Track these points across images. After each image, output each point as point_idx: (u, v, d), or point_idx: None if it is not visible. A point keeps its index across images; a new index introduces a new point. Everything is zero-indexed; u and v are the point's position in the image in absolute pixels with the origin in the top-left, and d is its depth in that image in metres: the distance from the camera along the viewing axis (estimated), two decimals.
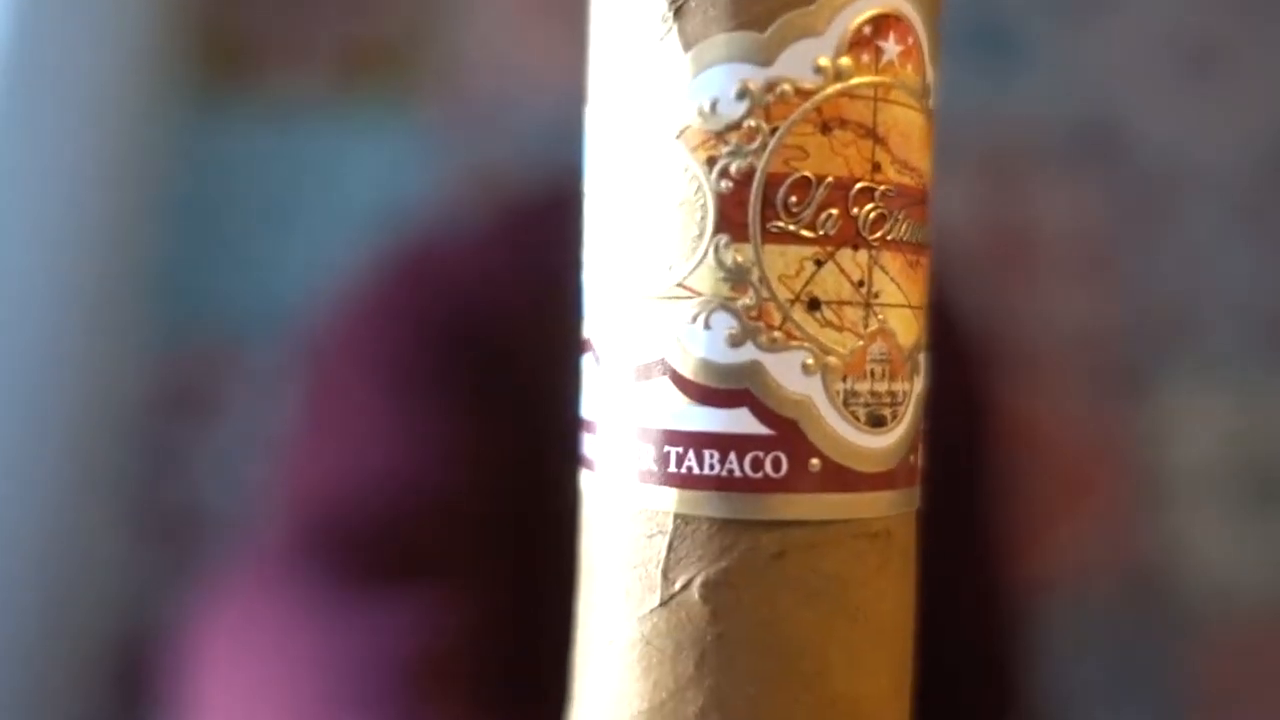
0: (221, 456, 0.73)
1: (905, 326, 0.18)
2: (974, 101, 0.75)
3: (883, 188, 0.17)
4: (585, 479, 0.19)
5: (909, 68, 0.18)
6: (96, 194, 0.69)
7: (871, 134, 0.17)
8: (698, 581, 0.17)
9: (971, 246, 0.75)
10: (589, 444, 0.19)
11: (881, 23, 0.17)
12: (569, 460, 0.20)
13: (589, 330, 0.19)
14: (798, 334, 0.17)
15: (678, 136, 0.17)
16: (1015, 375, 0.72)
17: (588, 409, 0.19)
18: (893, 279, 0.18)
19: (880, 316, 0.18)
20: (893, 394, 0.18)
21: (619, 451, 0.18)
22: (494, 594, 0.42)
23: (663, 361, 0.17)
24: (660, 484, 0.17)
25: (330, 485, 0.45)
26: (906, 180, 0.18)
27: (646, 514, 0.18)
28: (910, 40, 0.18)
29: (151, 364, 0.74)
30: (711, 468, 0.17)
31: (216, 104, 0.76)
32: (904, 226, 0.18)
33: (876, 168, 0.17)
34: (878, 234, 0.17)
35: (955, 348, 0.55)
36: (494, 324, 0.48)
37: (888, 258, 0.18)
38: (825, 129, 0.17)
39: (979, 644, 0.53)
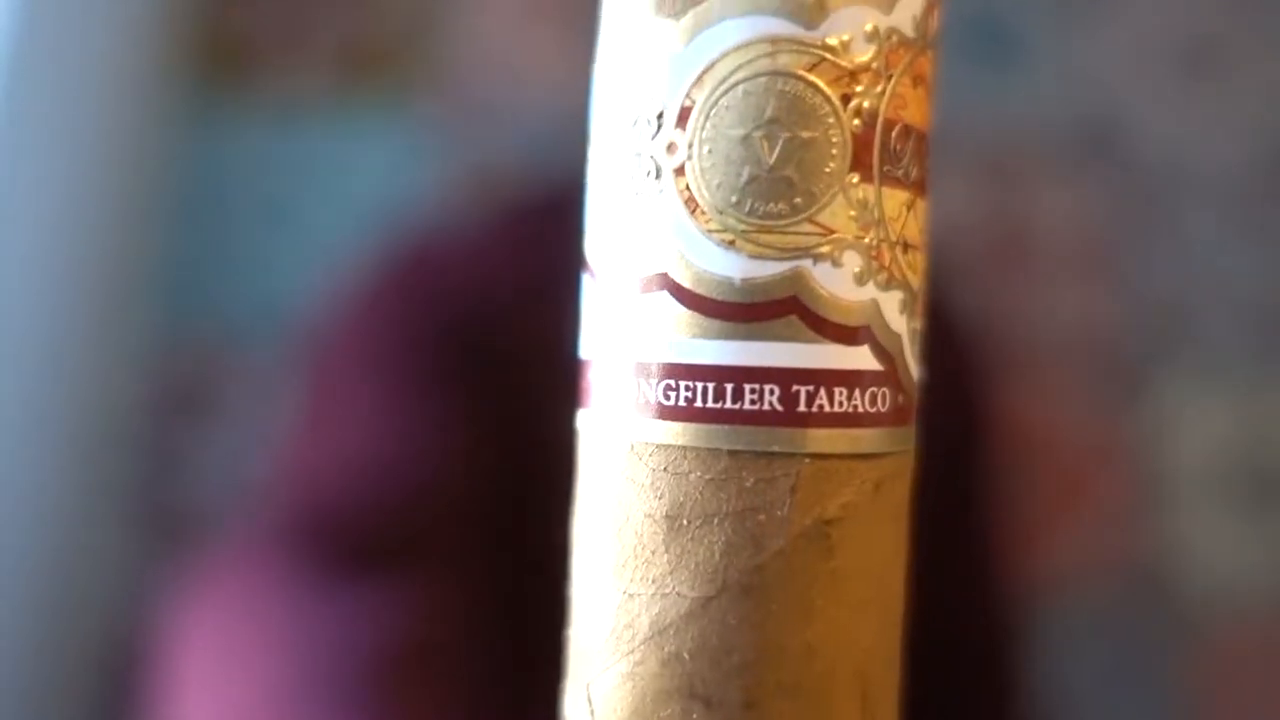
0: (221, 456, 0.73)
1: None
2: (974, 101, 0.75)
3: (929, 143, 0.19)
4: (655, 430, 0.18)
5: (939, 37, 0.19)
6: (96, 194, 0.69)
7: (930, 93, 0.18)
8: (821, 520, 0.17)
9: (971, 246, 0.75)
10: (663, 392, 0.18)
11: None
12: (562, 457, 0.20)
13: (676, 273, 0.18)
14: (898, 275, 0.18)
15: (810, 71, 0.17)
16: (1014, 375, 0.72)
17: (661, 353, 0.18)
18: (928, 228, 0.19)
19: (926, 262, 0.19)
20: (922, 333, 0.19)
21: (726, 396, 0.17)
22: (481, 588, 0.42)
23: (794, 299, 0.17)
24: (791, 425, 0.17)
25: (320, 473, 0.45)
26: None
27: (768, 458, 0.17)
28: (941, 11, 0.19)
29: (151, 364, 0.74)
30: (840, 405, 0.17)
31: (216, 104, 0.76)
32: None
33: (929, 124, 0.19)
34: (928, 185, 0.19)
35: (954, 348, 0.55)
36: (491, 323, 0.48)
37: (929, 208, 0.19)
38: (915, 83, 0.18)
39: (978, 644, 0.53)
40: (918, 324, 0.19)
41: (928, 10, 0.18)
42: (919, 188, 0.18)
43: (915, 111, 0.18)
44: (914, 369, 0.19)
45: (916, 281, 0.18)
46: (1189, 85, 0.76)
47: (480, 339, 0.48)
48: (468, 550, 0.43)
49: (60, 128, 0.65)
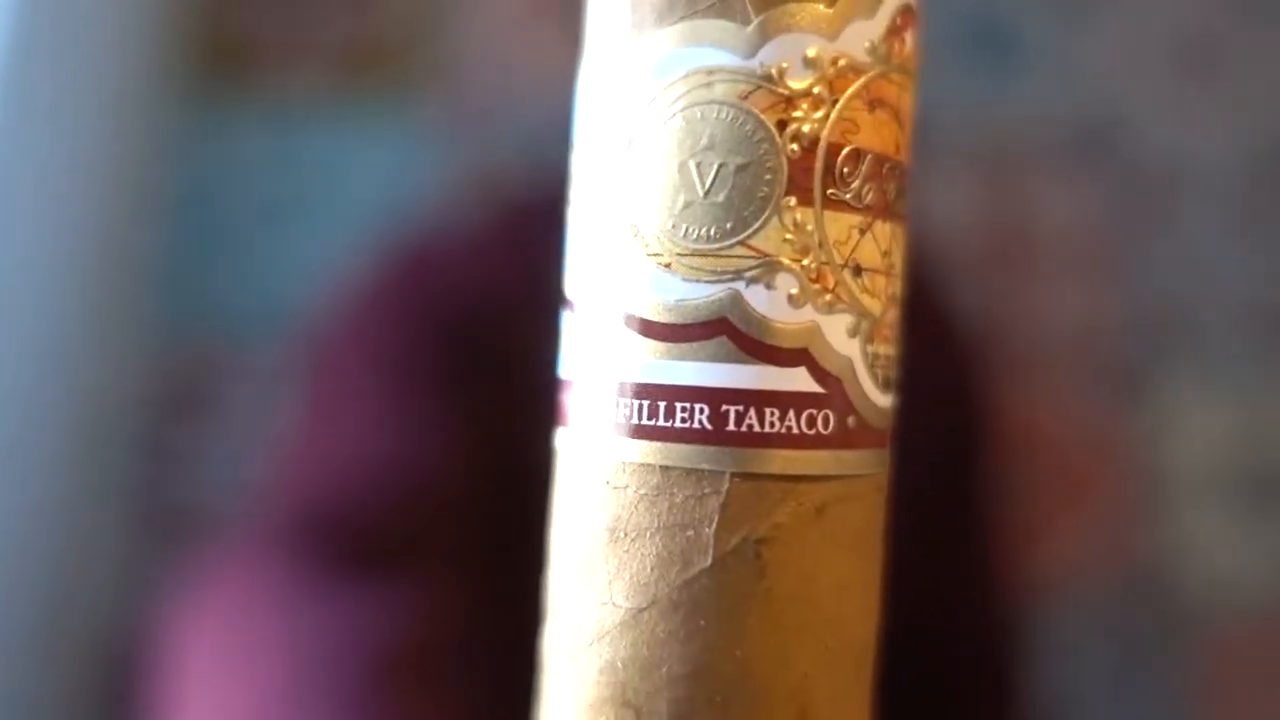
0: (221, 456, 0.73)
1: (901, 295, 0.20)
2: (974, 101, 0.75)
3: (902, 166, 0.19)
4: (600, 446, 0.19)
5: (914, 60, 0.19)
6: (96, 194, 0.69)
7: (897, 117, 0.19)
8: (751, 539, 0.18)
9: (971, 246, 0.75)
10: (610, 409, 0.19)
11: (907, 14, 0.19)
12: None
13: (622, 297, 0.18)
14: (845, 298, 0.18)
15: (744, 99, 0.17)
16: (1015, 375, 0.72)
17: (610, 373, 0.19)
18: (899, 251, 0.19)
19: (894, 286, 0.19)
20: (895, 359, 0.19)
21: (659, 414, 0.18)
22: (481, 588, 0.42)
23: (724, 320, 0.18)
24: (719, 444, 0.18)
25: (319, 473, 0.45)
26: (907, 162, 0.19)
27: (697, 475, 0.18)
28: (917, 35, 0.19)
29: (151, 364, 0.74)
30: (772, 425, 0.18)
31: (216, 104, 0.76)
32: (904, 203, 0.19)
33: (898, 148, 0.19)
34: (897, 208, 0.19)
35: (955, 348, 0.55)
36: (491, 322, 0.48)
37: (900, 231, 0.19)
38: (871, 107, 0.18)
39: (978, 644, 0.53)
40: (881, 348, 0.19)
41: (890, 34, 0.18)
42: (878, 211, 0.18)
43: (872, 135, 0.18)
44: (874, 392, 0.18)
45: (877, 305, 0.18)
46: (1189, 85, 0.76)
47: (480, 339, 0.48)
48: (468, 550, 0.43)
49: (60, 127, 0.65)
